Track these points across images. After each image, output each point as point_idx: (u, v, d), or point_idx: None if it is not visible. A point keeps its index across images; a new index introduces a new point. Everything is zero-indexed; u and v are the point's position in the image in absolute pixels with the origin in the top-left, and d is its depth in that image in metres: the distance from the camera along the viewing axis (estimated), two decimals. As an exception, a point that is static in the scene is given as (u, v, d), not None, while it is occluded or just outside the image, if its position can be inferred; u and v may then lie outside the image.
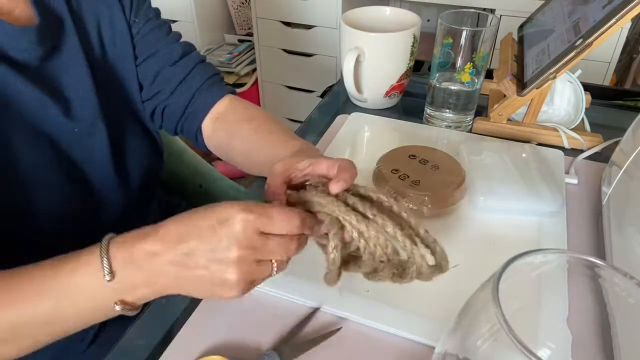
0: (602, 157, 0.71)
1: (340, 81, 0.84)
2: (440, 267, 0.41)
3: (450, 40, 0.70)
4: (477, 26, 0.71)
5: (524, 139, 0.74)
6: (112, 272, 0.38)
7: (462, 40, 0.69)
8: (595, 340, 0.47)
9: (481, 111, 0.80)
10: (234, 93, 0.67)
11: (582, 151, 0.72)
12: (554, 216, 0.59)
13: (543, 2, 0.83)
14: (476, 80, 0.73)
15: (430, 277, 0.42)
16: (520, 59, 0.75)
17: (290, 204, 0.45)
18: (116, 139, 0.60)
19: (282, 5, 1.87)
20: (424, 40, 0.91)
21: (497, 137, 0.75)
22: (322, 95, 1.90)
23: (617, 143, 0.63)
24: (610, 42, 1.52)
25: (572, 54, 0.64)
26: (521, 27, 0.84)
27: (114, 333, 0.42)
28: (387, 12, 0.85)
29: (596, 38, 0.62)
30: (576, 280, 0.45)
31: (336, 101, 0.89)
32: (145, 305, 0.44)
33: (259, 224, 0.38)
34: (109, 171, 0.60)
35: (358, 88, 0.81)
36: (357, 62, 0.77)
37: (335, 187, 0.42)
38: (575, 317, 0.47)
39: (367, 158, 0.67)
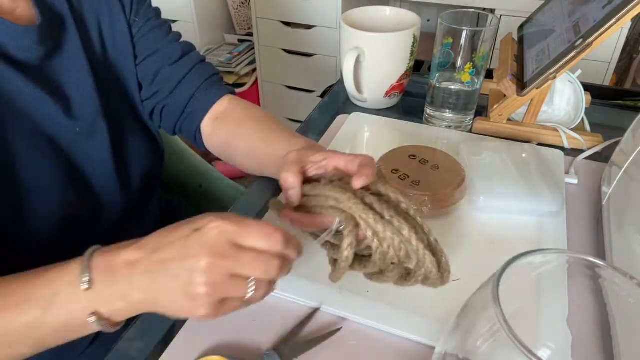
0: (602, 157, 0.71)
1: (340, 81, 0.84)
2: (441, 277, 0.41)
3: (450, 40, 0.70)
4: (477, 26, 0.71)
5: (524, 139, 0.74)
6: (90, 281, 0.38)
7: (462, 40, 0.69)
8: (595, 340, 0.47)
9: (481, 111, 0.80)
10: (233, 93, 0.67)
11: (582, 151, 0.72)
12: (554, 216, 0.59)
13: (543, 2, 0.83)
14: (476, 80, 0.73)
15: (435, 284, 0.42)
16: (520, 59, 0.75)
17: (303, 196, 0.44)
18: (116, 139, 0.60)
19: (282, 5, 1.87)
20: (424, 40, 0.91)
21: (497, 137, 0.75)
22: (322, 95, 1.91)
23: (617, 143, 0.63)
24: (610, 42, 1.52)
25: (572, 54, 0.64)
26: (521, 27, 0.83)
27: (114, 333, 0.41)
28: (387, 12, 0.85)
29: (596, 38, 0.61)
30: (576, 281, 0.45)
31: (336, 101, 0.89)
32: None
33: (234, 233, 0.37)
34: (109, 171, 0.60)
35: (358, 88, 0.81)
36: (357, 62, 0.77)
37: (358, 183, 0.42)
38: (575, 317, 0.47)
39: (367, 158, 0.67)
